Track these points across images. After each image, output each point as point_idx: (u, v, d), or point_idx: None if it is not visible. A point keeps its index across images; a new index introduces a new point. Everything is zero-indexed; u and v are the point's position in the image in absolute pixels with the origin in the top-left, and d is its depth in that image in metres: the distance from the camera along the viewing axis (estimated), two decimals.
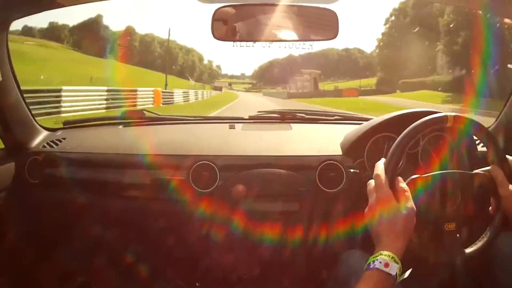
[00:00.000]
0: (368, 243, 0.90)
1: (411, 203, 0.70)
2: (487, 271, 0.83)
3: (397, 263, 0.63)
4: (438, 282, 0.91)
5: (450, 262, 0.81)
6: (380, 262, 0.62)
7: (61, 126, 1.35)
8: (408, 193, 0.71)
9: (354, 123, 1.27)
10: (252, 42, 1.06)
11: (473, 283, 0.87)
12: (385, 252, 0.64)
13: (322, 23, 1.04)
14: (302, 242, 1.04)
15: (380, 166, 0.75)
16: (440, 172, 0.85)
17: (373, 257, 0.64)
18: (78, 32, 39.13)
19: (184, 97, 16.84)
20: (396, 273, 0.63)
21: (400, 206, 0.69)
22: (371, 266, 0.63)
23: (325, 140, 1.15)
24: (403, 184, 0.73)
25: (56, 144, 1.20)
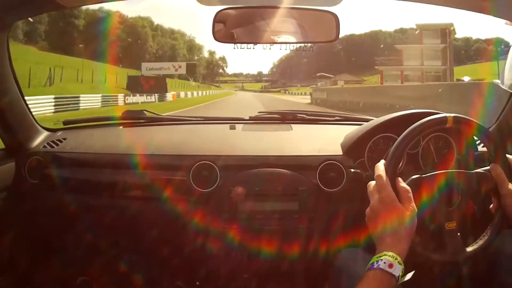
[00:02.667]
0: (368, 242, 0.91)
1: (413, 205, 0.70)
2: (490, 271, 0.83)
3: (401, 265, 0.63)
4: (440, 282, 0.91)
5: (451, 261, 0.81)
6: (385, 263, 0.62)
7: (62, 126, 1.35)
8: (411, 194, 0.71)
9: (354, 124, 1.27)
10: (252, 45, 1.07)
11: (476, 283, 0.87)
12: (389, 253, 0.64)
13: (323, 26, 1.05)
14: (302, 241, 1.04)
15: (380, 167, 0.75)
16: (440, 171, 0.85)
17: (377, 257, 0.64)
18: None
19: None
20: (399, 274, 0.62)
21: (403, 207, 0.69)
22: (374, 266, 0.63)
23: (325, 140, 1.16)
24: (404, 185, 0.73)
25: (57, 144, 1.20)
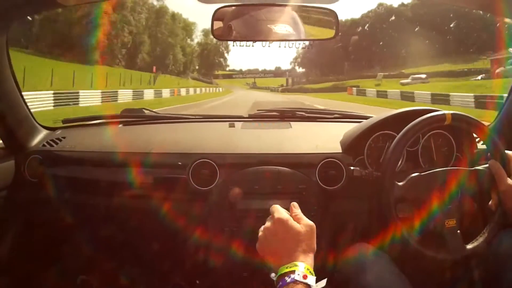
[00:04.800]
0: (368, 237, 0.90)
1: (306, 220, 0.70)
2: (498, 273, 0.82)
3: (313, 275, 0.62)
4: (441, 279, 0.91)
5: (451, 258, 0.81)
6: (299, 274, 0.61)
7: (61, 124, 1.35)
8: (300, 215, 0.71)
9: (354, 121, 1.27)
10: (252, 42, 1.07)
11: (478, 282, 0.87)
12: (300, 263, 0.63)
13: (321, 23, 1.05)
14: None
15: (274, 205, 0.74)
16: (440, 169, 0.85)
17: (287, 268, 0.63)
18: None
19: None
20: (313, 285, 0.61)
21: (298, 224, 0.69)
22: (287, 280, 0.61)
23: (325, 138, 1.16)
24: (293, 209, 0.73)
25: (56, 143, 1.20)
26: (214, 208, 1.04)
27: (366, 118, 1.24)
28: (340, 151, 1.09)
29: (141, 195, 1.09)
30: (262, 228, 0.71)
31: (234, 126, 1.27)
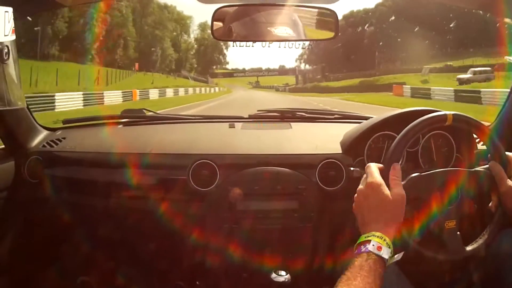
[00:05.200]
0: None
1: (399, 189, 0.69)
2: (499, 274, 0.82)
3: (389, 247, 0.62)
4: (441, 280, 0.91)
5: (451, 260, 0.81)
6: (373, 245, 0.61)
7: (61, 125, 1.35)
8: (398, 180, 0.70)
9: (354, 122, 1.27)
10: (252, 42, 1.07)
11: (478, 282, 0.87)
12: (377, 233, 0.63)
13: (322, 23, 1.05)
14: (302, 239, 1.04)
15: (371, 165, 0.74)
16: (439, 170, 0.85)
17: (365, 237, 0.63)
18: None
19: None
20: (389, 257, 0.62)
21: (390, 191, 0.68)
22: (362, 250, 0.62)
23: (325, 139, 1.15)
24: (396, 172, 0.72)
25: (56, 144, 1.20)
26: (214, 209, 1.04)
27: (366, 118, 1.24)
28: (340, 151, 1.09)
29: (142, 196, 1.09)
30: (357, 189, 0.71)
31: (234, 127, 1.27)
